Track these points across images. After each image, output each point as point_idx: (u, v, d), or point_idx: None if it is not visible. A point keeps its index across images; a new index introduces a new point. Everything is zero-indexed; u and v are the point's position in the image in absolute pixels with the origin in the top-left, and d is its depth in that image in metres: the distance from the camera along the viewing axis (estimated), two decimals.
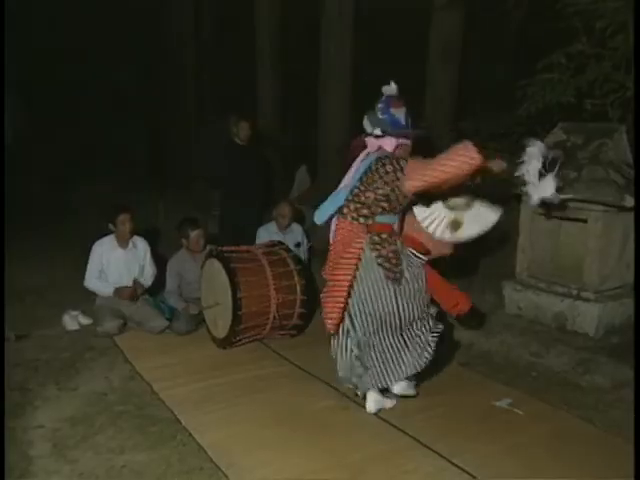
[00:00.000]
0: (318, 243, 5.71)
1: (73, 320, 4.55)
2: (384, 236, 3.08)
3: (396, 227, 3.18)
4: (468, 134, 6.15)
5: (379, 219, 3.09)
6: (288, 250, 4.47)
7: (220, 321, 4.18)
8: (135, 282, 4.57)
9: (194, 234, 4.63)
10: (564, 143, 4.08)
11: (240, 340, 4.12)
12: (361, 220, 3.09)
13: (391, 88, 3.14)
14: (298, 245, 5.20)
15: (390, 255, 3.06)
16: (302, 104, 8.59)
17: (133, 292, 4.51)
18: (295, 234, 5.25)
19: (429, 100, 7.02)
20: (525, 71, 4.83)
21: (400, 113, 3.09)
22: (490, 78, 7.47)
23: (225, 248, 4.29)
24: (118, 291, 4.50)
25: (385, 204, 3.05)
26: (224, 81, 10.56)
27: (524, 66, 5.08)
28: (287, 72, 8.59)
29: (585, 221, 3.90)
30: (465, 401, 3.40)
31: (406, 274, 3.11)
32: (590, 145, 3.92)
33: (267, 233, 5.08)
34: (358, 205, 3.09)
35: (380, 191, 3.02)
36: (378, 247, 3.05)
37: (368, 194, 3.05)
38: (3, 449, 2.71)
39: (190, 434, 3.00)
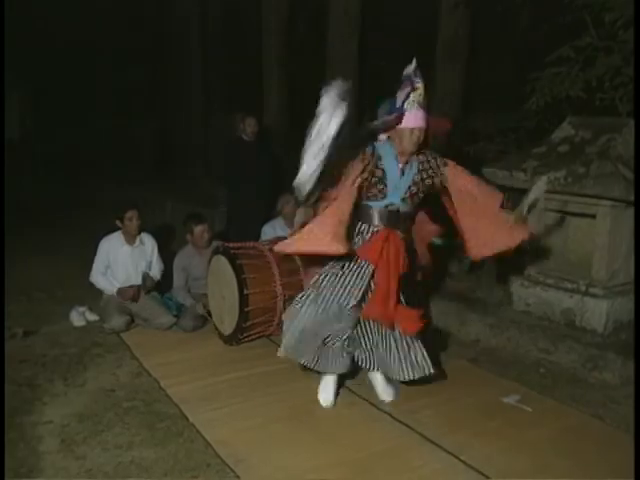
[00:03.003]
0: None
1: (80, 316, 4.57)
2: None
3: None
4: (476, 130, 6.20)
5: None
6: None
7: (227, 318, 4.18)
8: (145, 277, 4.56)
9: (198, 229, 4.63)
10: (573, 138, 4.06)
11: (247, 337, 4.12)
12: None
13: (409, 67, 2.93)
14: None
15: None
16: (309, 99, 8.54)
17: (136, 293, 4.51)
18: None
19: (437, 97, 6.97)
20: (533, 67, 4.79)
21: (401, 95, 2.92)
22: (497, 75, 7.42)
23: (231, 244, 4.28)
24: (121, 292, 4.51)
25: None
26: (230, 76, 10.53)
27: (532, 62, 5.05)
28: (293, 68, 8.56)
29: (594, 216, 3.87)
30: (472, 397, 3.40)
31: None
32: (599, 140, 3.89)
33: (272, 230, 5.06)
34: None
35: None
36: None
37: None
38: (3, 449, 2.71)
39: (197, 430, 3.01)
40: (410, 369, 3.16)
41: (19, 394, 3.38)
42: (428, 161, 3.09)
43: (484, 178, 4.31)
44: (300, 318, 3.16)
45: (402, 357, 3.16)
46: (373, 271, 3.09)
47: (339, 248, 2.86)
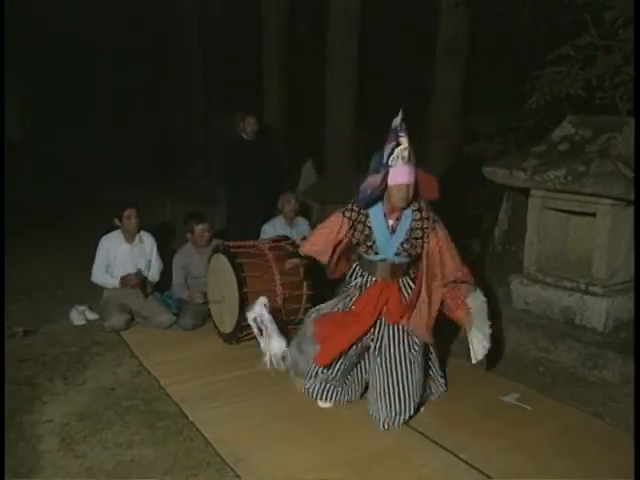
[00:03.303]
0: None
1: (80, 315, 4.57)
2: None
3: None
4: (476, 129, 6.20)
5: None
6: (294, 245, 4.44)
7: (226, 316, 4.18)
8: (139, 275, 4.54)
9: (199, 228, 4.63)
10: (573, 137, 4.05)
11: (247, 335, 4.08)
12: None
13: (395, 120, 2.90)
14: (304, 240, 5.17)
15: None
16: (309, 99, 8.56)
17: (138, 280, 4.49)
18: (302, 228, 5.24)
19: (436, 97, 6.99)
20: (533, 66, 4.80)
21: (386, 149, 2.88)
22: (498, 75, 7.43)
23: (231, 243, 4.28)
24: (124, 279, 4.50)
25: None
26: (230, 76, 10.54)
27: (532, 61, 5.05)
28: (293, 68, 8.57)
29: (594, 215, 3.87)
30: (472, 397, 3.40)
31: None
32: (599, 138, 3.88)
33: (273, 228, 5.07)
34: None
35: None
36: None
37: None
38: (3, 449, 2.72)
39: (197, 429, 3.02)
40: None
41: (19, 393, 3.38)
42: (422, 219, 3.03)
43: (484, 178, 4.41)
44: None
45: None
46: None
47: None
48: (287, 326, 4.08)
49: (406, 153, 2.85)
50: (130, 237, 4.63)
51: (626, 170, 3.64)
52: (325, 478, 2.63)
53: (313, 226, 5.38)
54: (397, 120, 2.88)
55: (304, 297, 4.16)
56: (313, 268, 4.27)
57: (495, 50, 7.71)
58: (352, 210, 3.07)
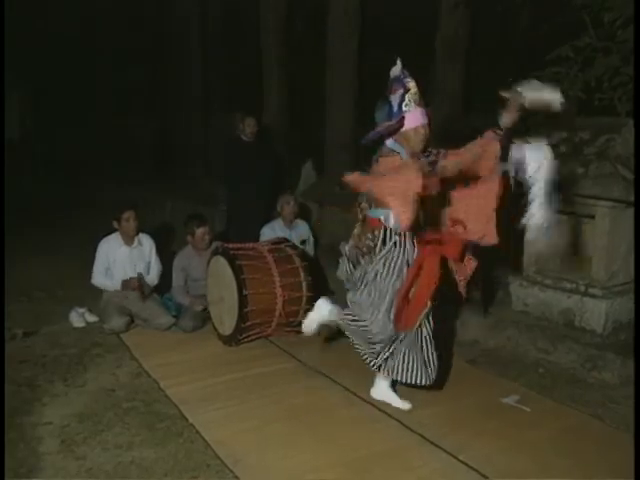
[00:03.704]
0: (325, 238, 5.76)
1: (80, 317, 4.58)
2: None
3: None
4: (476, 129, 6.20)
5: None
6: (294, 247, 4.50)
7: (226, 318, 4.19)
8: (140, 279, 4.56)
9: (200, 231, 4.64)
10: (572, 138, 4.05)
11: (246, 337, 4.14)
12: None
13: (394, 69, 2.97)
14: (304, 242, 5.20)
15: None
16: (309, 99, 8.54)
17: (139, 284, 4.51)
18: (301, 230, 5.26)
19: (436, 97, 6.96)
20: (533, 66, 4.80)
21: (395, 99, 2.93)
22: (498, 74, 7.43)
23: (231, 245, 4.30)
24: (125, 283, 4.52)
25: None
26: (230, 76, 10.54)
27: (532, 62, 5.05)
28: (293, 68, 8.56)
29: (593, 217, 3.87)
30: (472, 398, 3.41)
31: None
32: (598, 140, 3.88)
33: (272, 231, 5.07)
34: None
35: None
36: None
37: None
38: (3, 449, 2.73)
39: (197, 431, 3.03)
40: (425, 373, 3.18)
41: (19, 394, 3.39)
42: (436, 154, 3.01)
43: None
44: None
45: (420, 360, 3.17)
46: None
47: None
48: (286, 328, 4.21)
49: (417, 96, 2.92)
50: (129, 239, 4.64)
51: (625, 172, 3.65)
52: (324, 478, 2.64)
53: (312, 228, 5.43)
54: (397, 69, 2.95)
55: (304, 299, 4.18)
56: (312, 269, 4.37)
57: (495, 50, 7.69)
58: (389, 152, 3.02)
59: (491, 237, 3.12)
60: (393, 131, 3.00)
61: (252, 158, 5.53)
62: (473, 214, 3.13)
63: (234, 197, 5.69)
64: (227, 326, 4.18)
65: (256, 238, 4.92)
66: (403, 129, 2.96)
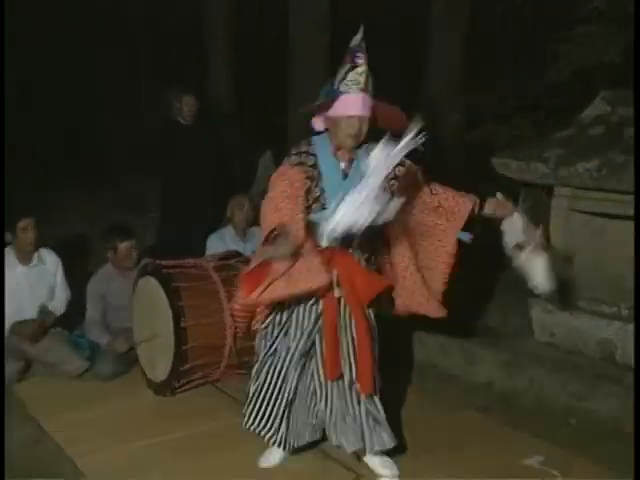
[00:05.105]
0: None
1: None
2: None
3: None
4: (483, 107, 6.26)
5: None
6: (249, 262, 4.41)
7: (158, 360, 4.16)
8: (42, 311, 4.50)
9: (124, 245, 4.62)
10: (608, 117, 4.10)
11: (186, 384, 4.12)
12: None
13: (355, 38, 2.96)
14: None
15: None
16: (266, 74, 8.55)
17: (38, 330, 4.45)
18: (257, 241, 5.20)
19: (431, 67, 7.11)
20: (556, 26, 4.85)
21: (339, 74, 2.92)
22: (510, 39, 7.57)
23: (165, 262, 4.27)
24: (18, 330, 4.44)
25: None
26: (163, 38, 10.56)
27: (554, 21, 5.12)
28: (246, 35, 8.68)
29: (629, 217, 3.91)
30: (486, 459, 3.39)
31: None
32: None
33: (220, 242, 5.07)
34: None
35: None
36: None
37: None
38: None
39: None
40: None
41: None
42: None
43: (493, 172, 4.43)
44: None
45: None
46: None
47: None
48: (238, 370, 4.19)
49: (362, 78, 2.88)
50: (25, 257, 4.60)
51: None
52: None
53: None
54: (357, 38, 2.94)
55: None
56: None
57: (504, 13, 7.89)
58: (300, 154, 3.05)
59: (433, 312, 3.24)
60: (320, 111, 3.02)
61: (192, 147, 5.55)
62: (409, 287, 3.20)
63: (169, 199, 5.72)
64: (160, 370, 4.14)
65: (199, 252, 4.91)
66: (333, 113, 2.94)
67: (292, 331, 3.10)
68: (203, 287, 4.12)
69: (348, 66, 2.88)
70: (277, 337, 3.14)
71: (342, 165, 3.03)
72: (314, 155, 3.03)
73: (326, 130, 3.05)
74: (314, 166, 3.02)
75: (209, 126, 6.06)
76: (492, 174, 4.48)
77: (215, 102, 7.61)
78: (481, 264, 4.55)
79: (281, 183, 2.99)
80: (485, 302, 4.84)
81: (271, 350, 3.16)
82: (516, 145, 4.57)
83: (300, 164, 3.02)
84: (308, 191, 3.00)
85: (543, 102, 5.70)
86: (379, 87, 2.96)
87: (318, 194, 3.01)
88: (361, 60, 2.88)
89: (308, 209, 3.00)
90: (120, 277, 4.65)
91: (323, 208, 3.00)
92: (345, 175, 3.02)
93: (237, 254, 4.56)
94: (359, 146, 3.01)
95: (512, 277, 4.73)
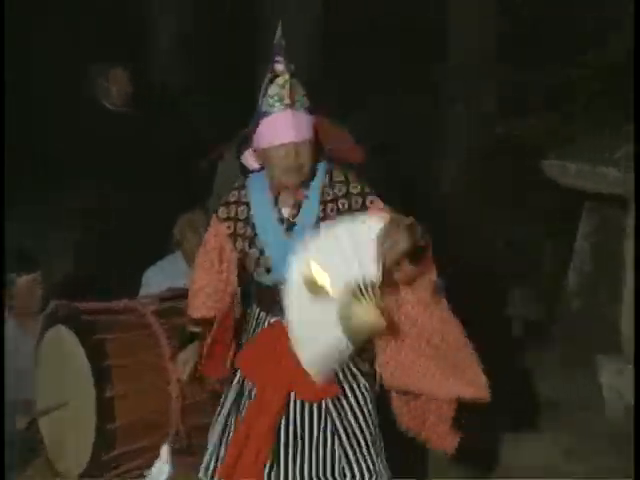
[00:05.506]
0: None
1: None
2: None
3: None
4: (520, 91, 6.17)
5: None
6: None
7: (73, 444, 3.92)
8: None
9: (23, 282, 4.41)
10: None
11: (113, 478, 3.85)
12: None
13: (276, 37, 2.89)
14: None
15: None
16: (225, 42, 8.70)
17: None
18: None
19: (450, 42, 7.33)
20: None
21: (262, 88, 2.86)
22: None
23: (84, 305, 4.04)
24: None
25: None
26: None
27: None
28: None
29: None
30: None
31: None
32: None
33: (161, 274, 4.89)
34: None
35: None
36: None
37: None
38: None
39: None
40: None
41: None
42: (337, 198, 2.91)
43: (536, 176, 4.56)
44: None
45: None
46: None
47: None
48: (188, 457, 3.91)
49: (285, 91, 2.75)
50: None
51: None
52: None
53: None
54: (276, 35, 2.87)
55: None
56: None
57: None
58: (227, 204, 3.04)
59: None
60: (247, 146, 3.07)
61: (124, 139, 5.42)
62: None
63: (90, 215, 5.55)
64: (73, 459, 3.89)
65: (133, 289, 4.81)
66: (257, 144, 2.88)
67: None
68: (138, 339, 3.91)
69: (268, 76, 2.80)
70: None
71: (285, 212, 2.92)
72: (246, 204, 2.99)
73: (262, 168, 3.01)
74: (246, 220, 2.98)
75: (146, 112, 5.92)
76: (534, 179, 4.59)
77: (155, 80, 7.67)
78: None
79: (202, 249, 3.20)
80: (538, 360, 4.81)
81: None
82: (571, 142, 4.58)
83: (228, 219, 3.02)
84: (245, 254, 2.99)
85: (583, 87, 5.85)
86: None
87: (257, 256, 2.97)
88: (281, 66, 2.78)
89: (251, 276, 3.05)
90: (19, 329, 4.52)
91: (268, 272, 2.98)
92: (290, 225, 2.91)
93: (186, 292, 4.18)
94: (310, 181, 2.91)
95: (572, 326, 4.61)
